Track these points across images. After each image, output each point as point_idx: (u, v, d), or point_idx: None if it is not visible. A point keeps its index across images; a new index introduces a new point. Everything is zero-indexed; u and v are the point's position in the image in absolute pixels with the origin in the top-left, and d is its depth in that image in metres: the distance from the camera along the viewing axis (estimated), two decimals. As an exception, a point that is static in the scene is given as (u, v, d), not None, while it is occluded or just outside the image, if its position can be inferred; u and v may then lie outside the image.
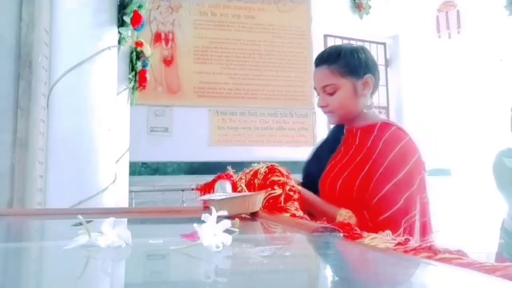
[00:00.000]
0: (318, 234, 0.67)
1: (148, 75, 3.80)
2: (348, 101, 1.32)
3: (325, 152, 1.38)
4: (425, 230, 1.24)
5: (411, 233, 1.18)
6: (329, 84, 1.31)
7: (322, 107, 1.35)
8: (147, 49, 3.75)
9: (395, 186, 1.18)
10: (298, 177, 1.39)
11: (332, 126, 1.49)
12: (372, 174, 1.20)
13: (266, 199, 1.09)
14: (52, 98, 2.25)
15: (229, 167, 1.44)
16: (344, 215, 1.18)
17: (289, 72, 5.03)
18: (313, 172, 1.35)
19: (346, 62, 1.31)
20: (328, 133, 1.53)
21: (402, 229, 1.16)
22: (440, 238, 1.27)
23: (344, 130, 1.39)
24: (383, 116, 1.47)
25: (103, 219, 0.59)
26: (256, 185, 1.16)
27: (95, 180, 2.22)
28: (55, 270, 0.53)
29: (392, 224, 1.14)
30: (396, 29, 5.32)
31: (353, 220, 1.15)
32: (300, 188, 1.23)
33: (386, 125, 1.31)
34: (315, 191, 1.28)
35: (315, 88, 1.38)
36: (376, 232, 1.08)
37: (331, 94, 1.31)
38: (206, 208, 1.11)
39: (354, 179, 1.22)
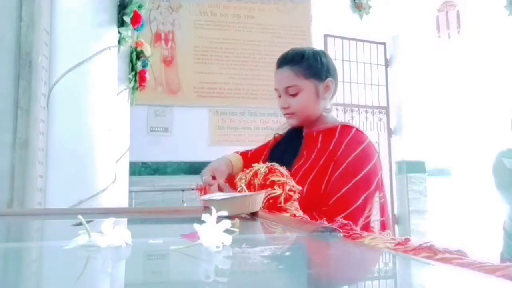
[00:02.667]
0: (318, 234, 0.67)
1: (148, 75, 3.80)
2: (310, 103, 1.33)
3: (286, 155, 1.38)
4: (384, 228, 1.28)
5: (368, 231, 1.20)
6: (293, 85, 1.32)
7: (283, 108, 1.36)
8: (147, 49, 3.74)
9: (353, 186, 1.21)
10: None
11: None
12: (332, 176, 1.23)
13: (266, 199, 1.09)
14: (52, 98, 2.25)
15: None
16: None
17: (289, 72, 5.03)
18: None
19: (309, 65, 1.33)
20: (285, 138, 1.51)
21: (359, 227, 1.18)
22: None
23: (303, 133, 1.40)
24: (341, 119, 1.52)
25: (103, 219, 0.59)
26: (256, 185, 1.16)
27: (95, 180, 2.22)
28: (55, 270, 0.53)
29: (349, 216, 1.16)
30: (396, 29, 5.32)
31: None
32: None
33: (346, 127, 1.34)
34: None
35: (276, 89, 1.38)
36: None
37: (294, 95, 1.32)
38: (206, 208, 1.11)
39: (320, 182, 1.24)
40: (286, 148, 1.45)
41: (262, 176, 1.16)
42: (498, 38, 4.69)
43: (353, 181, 1.21)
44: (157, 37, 4.70)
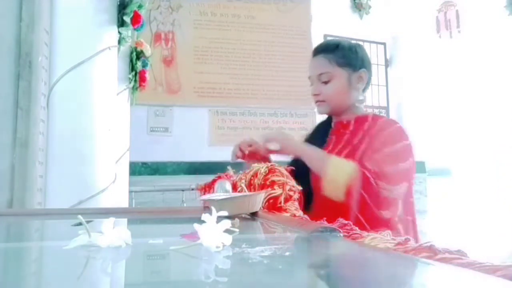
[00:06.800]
0: (318, 234, 0.67)
1: (148, 75, 3.80)
2: (341, 92, 1.33)
3: (316, 144, 1.37)
4: (414, 228, 1.28)
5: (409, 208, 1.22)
6: (325, 72, 1.32)
7: (314, 95, 1.36)
8: (147, 49, 3.75)
9: (394, 155, 1.21)
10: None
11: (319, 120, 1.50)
12: (368, 149, 1.23)
13: (266, 199, 1.09)
14: (52, 98, 2.25)
15: (229, 167, 1.44)
16: (340, 161, 1.19)
17: (289, 72, 5.03)
18: (302, 163, 1.34)
19: (344, 54, 1.33)
20: (315, 129, 1.52)
21: (403, 186, 1.19)
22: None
23: (332, 124, 1.40)
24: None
25: (103, 219, 0.59)
26: (256, 185, 1.16)
27: (95, 180, 2.22)
28: (55, 270, 0.53)
29: (395, 177, 1.16)
30: (396, 29, 5.32)
31: (350, 167, 1.15)
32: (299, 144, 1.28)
33: (378, 117, 1.36)
34: (306, 182, 1.27)
35: (309, 77, 1.39)
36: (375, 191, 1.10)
37: (326, 82, 1.32)
38: (206, 208, 1.11)
39: (353, 157, 1.23)
40: (315, 136, 1.45)
41: (262, 176, 1.16)
42: (498, 38, 4.69)
43: (390, 148, 1.20)
44: (157, 37, 4.70)
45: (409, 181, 1.23)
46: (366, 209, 1.14)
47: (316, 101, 1.37)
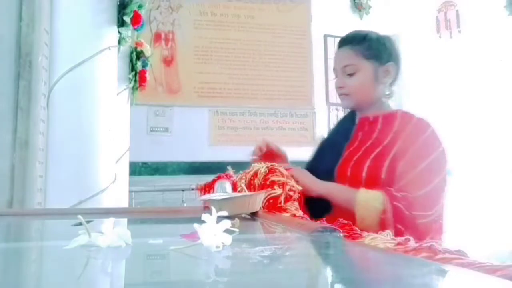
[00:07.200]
0: (318, 234, 0.67)
1: (148, 75, 3.80)
2: (366, 85, 1.26)
3: (339, 140, 1.32)
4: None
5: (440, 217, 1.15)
6: (350, 64, 1.25)
7: (339, 88, 1.29)
8: (147, 49, 3.75)
9: (426, 168, 1.14)
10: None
11: (339, 117, 1.45)
12: (396, 162, 1.15)
13: (266, 199, 1.09)
14: (52, 98, 2.25)
15: (229, 167, 1.44)
16: (367, 197, 1.11)
17: (289, 72, 5.03)
18: (327, 160, 1.30)
19: (370, 46, 1.26)
20: (337, 125, 1.47)
21: (439, 206, 1.12)
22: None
23: (356, 119, 1.32)
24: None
25: (103, 219, 0.59)
26: (256, 185, 1.16)
27: (95, 180, 2.22)
28: (55, 270, 0.53)
29: (430, 200, 1.10)
30: (396, 29, 5.32)
31: (378, 202, 1.09)
32: (314, 181, 1.19)
33: (407, 114, 1.27)
34: (329, 178, 1.24)
35: (334, 69, 1.32)
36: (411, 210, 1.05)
37: (351, 75, 1.25)
38: (206, 208, 1.11)
39: (379, 169, 1.16)
40: (338, 131, 1.40)
41: (262, 176, 1.15)
42: (498, 38, 4.69)
43: (425, 162, 1.13)
44: (157, 37, 4.70)
45: (445, 191, 1.17)
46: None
47: (340, 94, 1.29)
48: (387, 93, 1.28)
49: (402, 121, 1.23)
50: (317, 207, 1.19)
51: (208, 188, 1.38)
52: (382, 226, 1.07)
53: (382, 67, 1.26)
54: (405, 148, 1.16)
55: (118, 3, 2.58)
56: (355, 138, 1.28)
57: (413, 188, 1.10)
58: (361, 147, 1.23)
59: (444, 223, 1.20)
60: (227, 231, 0.58)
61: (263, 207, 1.06)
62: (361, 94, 1.26)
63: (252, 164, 1.23)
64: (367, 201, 1.11)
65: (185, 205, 3.51)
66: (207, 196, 1.14)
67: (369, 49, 1.25)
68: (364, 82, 1.25)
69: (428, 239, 1.04)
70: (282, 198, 1.10)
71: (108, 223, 0.58)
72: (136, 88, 3.69)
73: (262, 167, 1.19)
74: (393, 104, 1.34)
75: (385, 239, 0.60)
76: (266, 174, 1.15)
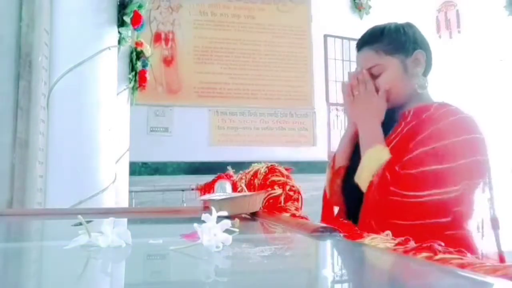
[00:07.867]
0: (318, 234, 0.67)
1: (148, 75, 3.81)
2: (397, 82, 1.16)
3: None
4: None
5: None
6: (375, 65, 1.16)
7: None
8: (147, 49, 3.75)
9: (435, 150, 1.05)
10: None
11: None
12: (414, 147, 1.07)
13: (266, 199, 1.09)
14: (52, 98, 2.25)
15: (229, 167, 1.44)
16: (374, 154, 1.07)
17: (289, 72, 5.03)
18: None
19: (391, 39, 1.16)
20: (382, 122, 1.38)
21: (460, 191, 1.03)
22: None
23: (398, 113, 1.22)
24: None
25: (103, 219, 0.59)
26: (256, 185, 1.16)
27: (95, 180, 2.22)
28: (55, 270, 0.53)
29: (426, 180, 1.02)
30: (396, 29, 5.33)
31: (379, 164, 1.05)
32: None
33: (443, 106, 1.14)
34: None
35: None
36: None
37: (378, 76, 1.16)
38: (206, 208, 1.11)
39: (397, 162, 1.08)
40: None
41: (262, 176, 1.16)
42: (498, 38, 4.69)
43: (438, 143, 1.03)
44: (157, 37, 4.70)
45: (470, 181, 1.05)
46: (379, 215, 1.04)
47: None
48: (421, 83, 1.16)
49: (434, 111, 1.12)
50: (351, 198, 1.15)
51: (208, 188, 1.38)
52: (369, 186, 1.05)
53: (409, 58, 1.16)
54: (425, 130, 1.08)
55: (118, 3, 2.58)
56: (391, 133, 1.18)
57: (410, 164, 1.04)
58: (390, 144, 1.15)
59: (468, 214, 1.11)
60: (227, 231, 0.58)
61: (263, 207, 1.07)
62: (395, 93, 1.16)
63: (252, 164, 1.23)
64: (373, 155, 1.09)
65: (185, 205, 3.50)
66: (207, 196, 1.14)
67: (390, 43, 1.16)
68: (394, 79, 1.16)
69: (427, 220, 1.00)
70: (282, 198, 1.10)
71: (108, 223, 0.58)
72: (136, 88, 3.69)
73: (262, 167, 1.19)
74: (433, 95, 1.22)
75: (385, 239, 0.60)
76: (266, 174, 1.16)
